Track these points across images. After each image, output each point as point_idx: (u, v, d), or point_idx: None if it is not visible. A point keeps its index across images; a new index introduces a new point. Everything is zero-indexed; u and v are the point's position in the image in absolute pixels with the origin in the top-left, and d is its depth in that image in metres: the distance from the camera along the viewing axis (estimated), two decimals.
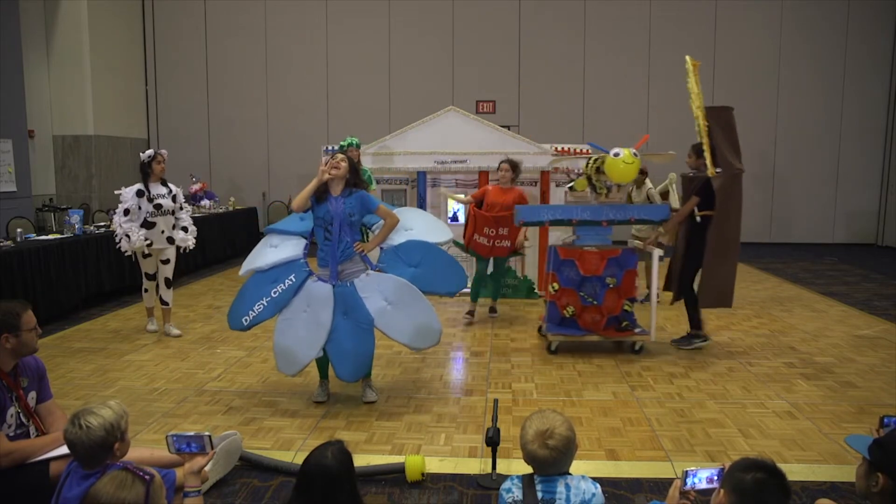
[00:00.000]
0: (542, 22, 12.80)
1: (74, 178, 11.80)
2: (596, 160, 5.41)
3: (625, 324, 5.40)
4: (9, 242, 6.52)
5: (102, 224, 8.22)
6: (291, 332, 4.13)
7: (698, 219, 5.36)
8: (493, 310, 6.74)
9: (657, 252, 5.49)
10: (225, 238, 10.58)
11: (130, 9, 12.85)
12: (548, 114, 12.68)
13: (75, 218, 7.33)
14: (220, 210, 10.98)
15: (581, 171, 7.78)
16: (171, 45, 13.25)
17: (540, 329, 6.01)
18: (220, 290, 8.28)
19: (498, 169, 6.28)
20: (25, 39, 10.19)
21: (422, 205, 7.68)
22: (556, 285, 5.36)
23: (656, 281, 5.72)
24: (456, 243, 6.01)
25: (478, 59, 12.85)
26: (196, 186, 10.94)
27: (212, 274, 9.34)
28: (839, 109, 12.55)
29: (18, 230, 6.93)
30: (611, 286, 5.30)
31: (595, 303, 5.32)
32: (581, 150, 7.87)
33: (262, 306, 4.18)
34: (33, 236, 7.12)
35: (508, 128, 9.63)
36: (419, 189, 7.68)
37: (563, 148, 7.80)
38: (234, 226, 11.11)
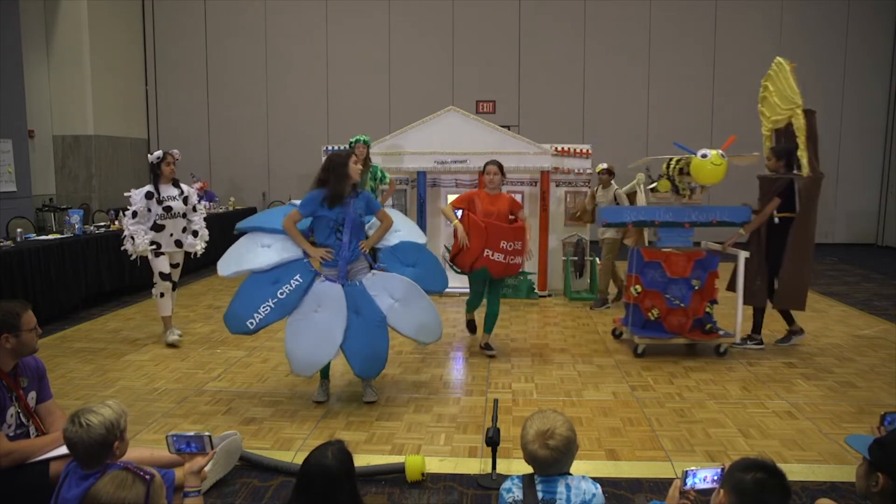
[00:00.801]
0: (542, 22, 12.81)
1: (74, 178, 11.81)
2: (679, 161, 5.36)
3: (708, 326, 5.35)
4: (9, 242, 6.52)
5: (102, 224, 8.22)
6: (305, 334, 4.08)
7: (777, 220, 5.36)
8: (488, 346, 5.47)
9: (743, 254, 5.39)
10: (225, 238, 10.48)
11: (130, 9, 12.85)
12: (548, 114, 12.69)
13: (75, 218, 7.33)
14: (220, 210, 10.97)
15: (580, 171, 7.83)
16: (171, 45, 13.25)
17: (614, 332, 5.96)
18: (219, 290, 8.28)
19: (484, 172, 5.28)
20: (25, 39, 10.19)
21: (422, 205, 7.69)
22: (639, 287, 5.30)
23: (741, 282, 5.51)
24: (452, 268, 5.50)
25: (478, 59, 12.85)
26: (196, 185, 10.93)
27: (212, 274, 9.31)
28: (839, 109, 12.55)
29: (18, 230, 6.93)
30: (696, 288, 5.24)
31: (682, 305, 5.25)
32: (581, 151, 7.88)
33: (268, 308, 4.06)
34: (33, 236, 7.12)
35: (508, 128, 9.64)
36: (419, 189, 7.68)
37: (563, 148, 7.80)
38: (234, 226, 11.08)
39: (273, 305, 4.07)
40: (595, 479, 2.23)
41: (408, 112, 10.88)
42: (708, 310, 5.35)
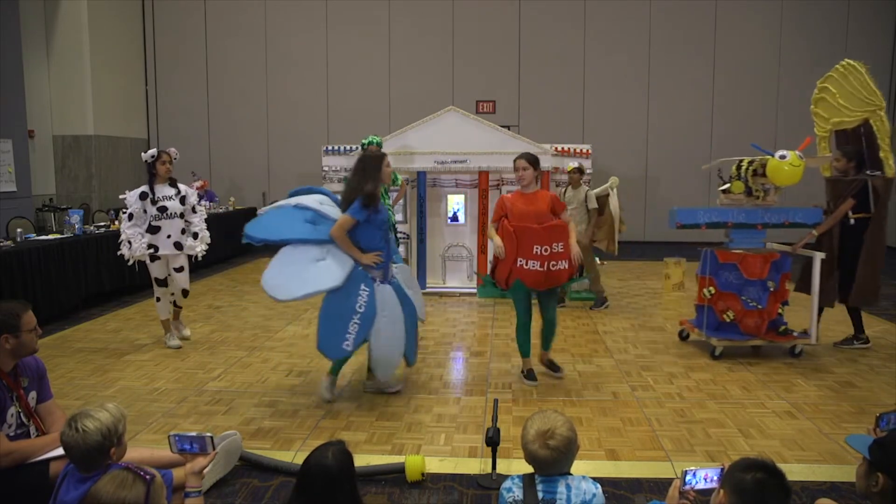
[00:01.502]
0: (542, 22, 12.81)
1: (74, 178, 11.81)
2: (751, 163, 5.33)
3: (783, 328, 5.34)
4: (9, 242, 6.52)
5: (102, 224, 8.22)
6: (383, 339, 4.15)
7: (852, 221, 5.37)
8: (553, 365, 4.91)
9: (819, 255, 5.35)
10: (225, 238, 10.57)
11: (130, 9, 12.85)
12: (548, 114, 12.69)
13: (75, 218, 7.33)
14: (220, 210, 10.97)
15: (566, 169, 7.80)
16: (171, 45, 13.25)
17: (681, 333, 5.91)
18: (219, 290, 8.28)
19: (514, 169, 4.64)
20: (25, 39, 10.19)
21: (422, 205, 7.69)
22: (712, 289, 5.28)
23: (817, 284, 5.42)
24: (487, 283, 5.04)
25: (478, 59, 12.86)
26: (197, 184, 10.94)
27: (212, 274, 9.34)
28: None
29: (18, 230, 6.93)
30: (771, 290, 5.21)
31: (759, 307, 5.20)
32: (581, 151, 7.88)
33: (356, 325, 4.01)
34: (33, 236, 7.12)
35: (508, 128, 9.64)
36: (419, 189, 7.68)
37: (563, 148, 7.81)
38: (235, 226, 11.07)
39: (359, 322, 4.02)
40: (595, 479, 2.23)
41: (408, 112, 10.89)
42: (780, 311, 5.35)
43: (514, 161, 4.66)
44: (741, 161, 5.44)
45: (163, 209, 5.42)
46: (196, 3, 13.18)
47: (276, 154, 13.34)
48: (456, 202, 7.85)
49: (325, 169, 8.05)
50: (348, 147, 8.02)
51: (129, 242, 5.40)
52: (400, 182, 7.27)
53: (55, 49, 11.46)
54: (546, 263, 4.41)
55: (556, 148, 7.76)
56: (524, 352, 4.80)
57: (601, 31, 12.78)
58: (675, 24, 12.66)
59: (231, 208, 11.44)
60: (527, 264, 4.43)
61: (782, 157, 5.03)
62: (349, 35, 13.02)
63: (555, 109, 12.76)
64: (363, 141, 6.88)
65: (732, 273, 5.25)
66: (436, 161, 7.65)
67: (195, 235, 5.60)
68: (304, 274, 3.96)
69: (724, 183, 5.53)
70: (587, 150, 7.89)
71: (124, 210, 5.53)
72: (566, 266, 4.49)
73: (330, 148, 8.13)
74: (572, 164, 7.13)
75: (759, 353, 5.47)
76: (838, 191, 5.54)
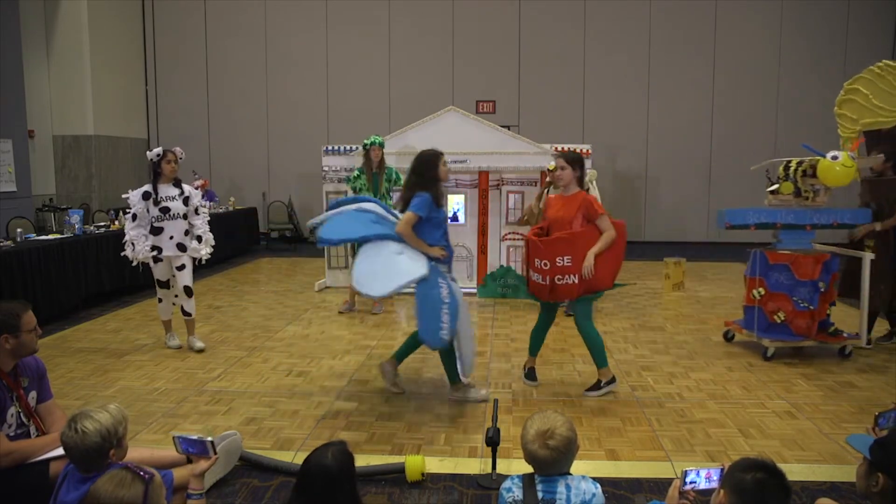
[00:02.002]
0: (542, 22, 12.80)
1: (74, 178, 11.80)
2: (801, 163, 5.33)
3: (833, 328, 5.33)
4: (9, 242, 6.52)
5: (102, 224, 8.22)
6: (463, 333, 4.17)
7: None
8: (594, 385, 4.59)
9: (869, 256, 5.35)
10: (225, 238, 10.58)
11: (130, 9, 12.85)
12: (548, 114, 12.69)
13: (75, 218, 7.33)
14: (220, 210, 10.98)
15: (548, 170, 7.76)
16: (171, 45, 13.25)
17: (726, 334, 5.90)
18: (220, 290, 8.28)
19: (552, 170, 4.63)
20: (25, 39, 10.19)
21: None
22: (762, 290, 5.28)
23: (867, 286, 5.43)
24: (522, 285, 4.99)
25: (478, 59, 12.85)
26: (198, 183, 10.93)
27: (212, 274, 9.34)
28: None
29: (18, 230, 6.93)
30: (822, 290, 5.20)
31: (810, 307, 5.18)
32: (580, 151, 7.87)
33: (447, 315, 3.95)
34: (33, 236, 7.12)
35: (508, 128, 9.64)
36: None
37: (563, 148, 7.79)
38: (234, 226, 11.11)
39: (448, 312, 3.97)
40: (595, 479, 2.23)
41: (408, 112, 10.88)
42: (828, 312, 5.35)
43: (555, 160, 4.62)
44: (789, 162, 5.43)
45: (165, 210, 5.32)
46: (196, 3, 13.18)
47: (276, 154, 13.33)
48: (456, 202, 7.84)
49: (325, 169, 8.05)
50: (348, 147, 8.01)
51: (133, 244, 5.34)
52: (402, 182, 7.26)
53: (55, 49, 11.45)
54: (548, 277, 4.27)
55: (556, 148, 7.74)
56: (531, 350, 4.78)
57: (601, 31, 12.78)
58: (675, 24, 12.65)
59: (231, 208, 11.44)
60: (533, 276, 4.39)
61: (834, 157, 5.02)
62: (349, 35, 13.02)
63: (555, 109, 12.75)
64: (365, 142, 6.85)
65: (783, 274, 5.25)
66: None
67: (199, 238, 5.48)
68: (393, 267, 3.98)
69: (772, 184, 5.52)
70: (587, 150, 7.88)
71: (127, 210, 5.45)
72: (575, 281, 4.22)
73: (330, 148, 8.13)
74: (553, 163, 6.94)
75: (802, 353, 5.43)
76: (881, 192, 5.54)
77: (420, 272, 3.99)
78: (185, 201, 5.41)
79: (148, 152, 5.44)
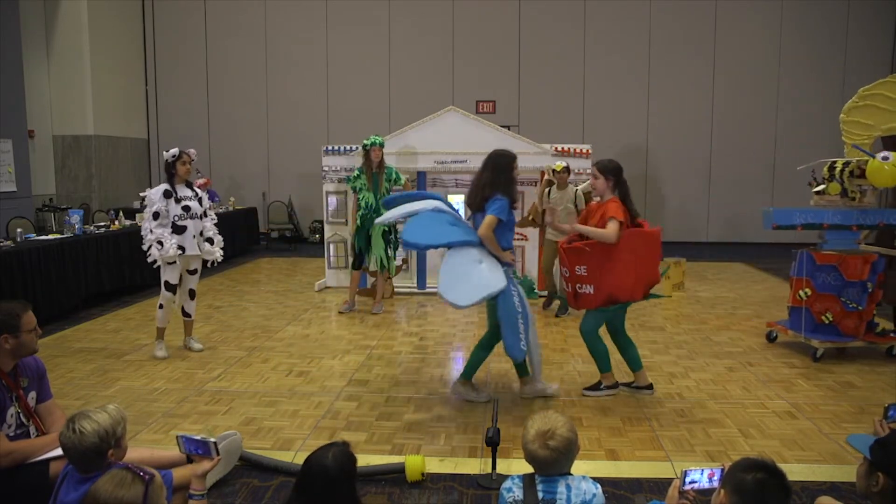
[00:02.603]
0: (542, 22, 12.80)
1: (74, 178, 11.80)
2: (847, 164, 5.32)
3: (880, 328, 5.32)
4: (9, 242, 6.52)
5: (102, 224, 8.21)
6: (534, 341, 4.22)
7: None
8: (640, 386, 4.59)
9: None
10: (225, 238, 10.55)
11: (130, 9, 12.85)
12: (548, 114, 12.69)
13: (75, 218, 7.33)
14: (221, 210, 10.97)
15: (580, 171, 7.79)
16: (171, 45, 13.25)
17: (769, 335, 5.89)
18: (220, 290, 8.28)
19: (559, 171, 4.92)
20: (25, 39, 10.19)
21: None
22: (808, 291, 5.28)
23: None
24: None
25: (478, 59, 12.85)
26: (200, 182, 10.91)
27: (212, 274, 9.32)
28: (839, 109, 12.48)
29: (18, 230, 6.93)
30: (870, 290, 5.19)
31: (859, 308, 5.17)
32: (581, 151, 7.87)
33: (523, 325, 4.02)
34: (33, 236, 7.12)
35: (508, 128, 9.64)
36: (419, 189, 7.67)
37: (563, 148, 7.80)
38: (235, 226, 11.10)
39: (524, 322, 4.03)
40: (595, 479, 2.23)
41: (408, 112, 10.88)
42: (874, 312, 5.36)
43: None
44: (834, 162, 5.44)
45: (186, 208, 5.28)
46: (196, 3, 13.17)
47: (276, 154, 13.33)
48: (456, 202, 7.83)
49: (325, 169, 8.05)
50: (348, 147, 8.01)
51: (160, 243, 5.15)
52: (403, 182, 7.26)
53: (55, 49, 11.45)
54: (572, 285, 4.34)
55: (556, 148, 7.75)
56: (601, 367, 4.57)
57: (601, 31, 12.77)
58: (675, 24, 12.65)
59: (231, 208, 11.44)
60: (565, 284, 4.45)
61: (885, 158, 5.01)
62: (349, 35, 13.02)
63: (555, 109, 12.75)
64: (365, 142, 6.81)
65: (831, 274, 5.24)
66: (436, 161, 7.65)
67: (210, 241, 5.46)
68: (474, 278, 3.97)
69: (818, 184, 5.51)
70: (587, 150, 7.87)
71: (145, 209, 5.32)
72: (591, 291, 4.23)
73: (330, 148, 8.13)
74: (560, 163, 6.82)
75: (844, 354, 5.42)
76: None
77: (500, 284, 3.98)
78: (200, 202, 5.42)
79: (165, 152, 5.39)
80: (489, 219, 4.04)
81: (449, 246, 4.05)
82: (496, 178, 4.17)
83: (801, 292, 5.31)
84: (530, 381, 4.43)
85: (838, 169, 5.35)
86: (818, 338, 5.29)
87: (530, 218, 7.15)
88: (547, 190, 6.92)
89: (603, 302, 4.25)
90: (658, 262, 4.37)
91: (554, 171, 6.82)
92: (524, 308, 4.06)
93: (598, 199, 4.45)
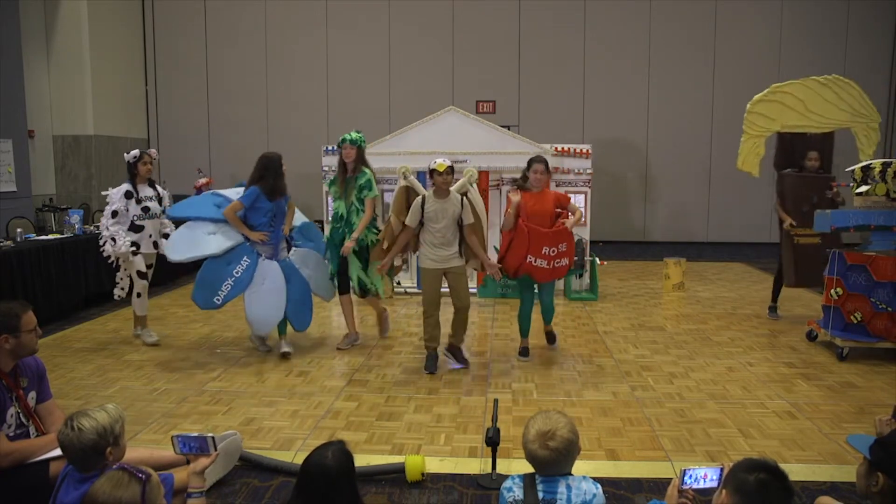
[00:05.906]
0: (542, 22, 12.80)
1: (74, 178, 11.80)
2: (889, 164, 5.30)
3: None
4: (9, 242, 6.52)
5: None
6: (259, 302, 5.09)
7: None
8: (551, 336, 5.65)
9: None
10: None
11: (130, 9, 12.85)
12: (548, 114, 12.68)
13: (75, 218, 7.33)
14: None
15: (580, 171, 7.79)
16: (171, 45, 13.24)
17: (810, 333, 5.88)
18: None
19: (530, 170, 5.04)
20: (25, 39, 10.19)
21: None
22: (839, 290, 5.29)
23: None
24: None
25: (478, 59, 12.84)
26: (202, 181, 10.89)
27: None
28: None
29: (18, 230, 6.93)
30: None
31: (889, 309, 5.15)
32: (581, 151, 7.87)
33: (228, 286, 4.98)
34: (33, 236, 7.12)
35: (508, 128, 9.62)
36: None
37: (563, 148, 7.80)
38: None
39: (232, 283, 5.00)
40: (595, 479, 2.23)
41: (408, 112, 10.87)
42: None
43: (532, 164, 5.13)
44: (870, 164, 5.43)
45: (146, 209, 5.65)
46: (196, 4, 13.17)
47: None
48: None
49: (325, 169, 8.05)
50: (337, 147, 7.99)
51: (114, 239, 5.52)
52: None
53: (55, 49, 11.44)
54: (552, 262, 4.98)
55: (556, 148, 7.75)
56: (523, 332, 5.45)
57: (601, 31, 12.77)
58: (675, 24, 12.64)
59: None
60: (535, 261, 4.96)
61: None
62: (349, 35, 13.01)
63: (555, 109, 12.75)
64: (339, 141, 5.80)
65: (861, 275, 5.25)
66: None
67: (165, 236, 5.77)
68: (194, 242, 5.04)
69: (858, 185, 5.51)
70: (587, 150, 7.88)
71: (105, 207, 5.65)
72: (567, 263, 5.10)
73: (330, 148, 8.13)
74: (441, 161, 5.10)
75: (876, 354, 5.38)
76: None
77: (210, 251, 5.01)
78: (159, 202, 5.78)
79: (126, 153, 5.79)
80: (233, 202, 5.12)
81: (199, 219, 5.19)
82: (261, 175, 5.24)
83: (832, 291, 5.32)
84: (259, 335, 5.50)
85: (877, 170, 5.34)
86: (844, 337, 5.28)
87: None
88: (420, 199, 5.17)
89: (570, 269, 5.36)
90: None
91: (433, 171, 5.03)
92: (244, 277, 5.02)
93: (533, 190, 5.10)
